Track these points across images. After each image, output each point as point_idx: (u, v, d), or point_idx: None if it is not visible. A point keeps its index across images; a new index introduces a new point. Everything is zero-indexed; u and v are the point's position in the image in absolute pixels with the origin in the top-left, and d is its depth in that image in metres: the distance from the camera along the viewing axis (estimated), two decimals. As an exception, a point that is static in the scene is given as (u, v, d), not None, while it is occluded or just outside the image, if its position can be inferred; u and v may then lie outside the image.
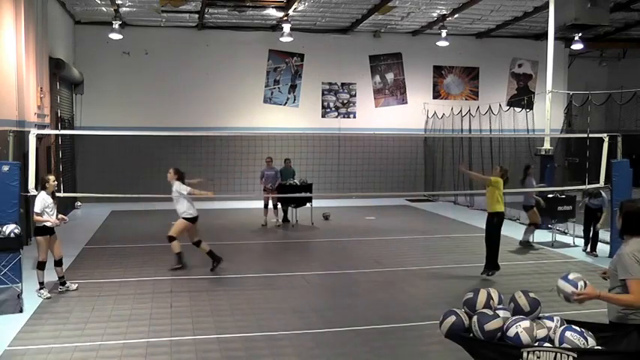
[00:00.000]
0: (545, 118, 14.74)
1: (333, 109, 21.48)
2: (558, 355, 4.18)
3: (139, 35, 19.61)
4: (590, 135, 14.51)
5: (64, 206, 16.20)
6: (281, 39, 18.70)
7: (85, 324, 7.43)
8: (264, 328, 7.31)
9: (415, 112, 21.85)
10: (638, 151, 19.67)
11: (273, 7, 18.00)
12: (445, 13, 18.69)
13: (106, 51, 19.36)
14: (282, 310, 8.10)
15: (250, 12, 18.45)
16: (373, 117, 21.52)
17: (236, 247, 12.74)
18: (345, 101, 21.59)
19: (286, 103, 21.09)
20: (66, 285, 8.96)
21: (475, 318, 4.55)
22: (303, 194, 14.70)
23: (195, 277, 9.91)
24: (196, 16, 18.67)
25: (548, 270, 10.58)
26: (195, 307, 8.17)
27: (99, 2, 17.20)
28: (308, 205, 15.03)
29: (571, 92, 19.07)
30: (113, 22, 17.45)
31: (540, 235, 13.19)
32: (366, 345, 6.83)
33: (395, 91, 21.97)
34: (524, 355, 4.24)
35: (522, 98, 22.13)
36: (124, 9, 17.69)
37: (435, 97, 22.18)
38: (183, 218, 10.14)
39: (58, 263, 8.90)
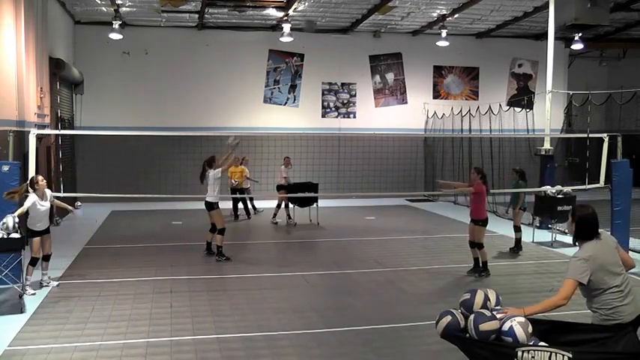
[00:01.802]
0: (545, 118, 14.73)
1: (333, 109, 21.48)
2: (553, 354, 4.16)
3: (139, 35, 19.61)
4: (590, 135, 14.52)
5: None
6: (281, 39, 18.71)
7: (85, 324, 7.44)
8: (264, 328, 7.31)
9: (415, 112, 21.85)
10: (638, 151, 19.68)
11: (273, 7, 18.00)
12: (445, 13, 18.69)
13: (106, 51, 19.36)
14: (282, 310, 8.10)
15: (250, 12, 18.45)
16: (373, 117, 21.52)
17: (236, 247, 12.74)
18: (345, 101, 21.59)
19: (286, 103, 21.09)
20: (46, 280, 9.08)
21: (472, 317, 4.54)
22: (307, 194, 14.82)
23: (196, 277, 9.91)
24: (196, 16, 18.67)
25: (548, 270, 10.59)
26: (195, 307, 8.16)
27: (99, 2, 17.20)
28: (314, 205, 15.19)
29: (571, 92, 19.07)
30: (113, 22, 17.45)
31: (540, 235, 13.20)
32: (366, 345, 6.83)
33: (395, 91, 21.97)
34: (519, 354, 4.21)
35: (522, 98, 22.14)
36: (124, 9, 17.70)
37: (435, 97, 22.18)
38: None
39: (46, 258, 9.06)
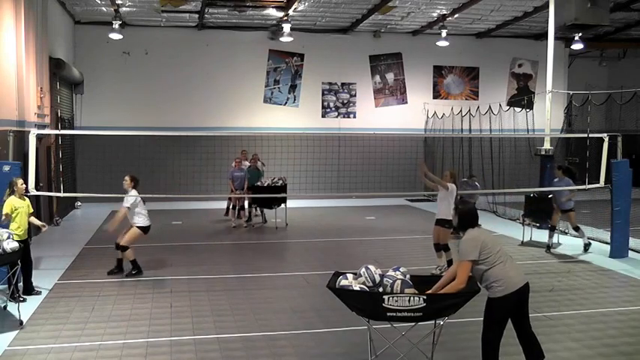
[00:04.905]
0: (545, 118, 14.74)
1: (333, 109, 21.48)
2: (411, 297, 5.37)
3: (139, 35, 19.61)
4: (590, 135, 14.51)
5: (63, 206, 16.24)
6: (281, 39, 18.70)
7: (85, 324, 7.44)
8: (264, 328, 7.31)
9: (415, 112, 21.85)
10: (638, 151, 19.70)
11: (273, 7, 18.00)
12: (445, 13, 18.69)
13: (106, 51, 19.36)
14: (282, 310, 8.11)
15: (250, 12, 18.45)
16: (373, 117, 21.52)
17: (236, 247, 12.75)
18: (345, 101, 21.59)
19: (286, 103, 21.09)
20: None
21: (399, 282, 5.69)
22: (275, 195, 14.43)
23: (196, 277, 9.91)
24: (196, 16, 18.67)
25: (549, 270, 10.58)
26: (195, 307, 8.17)
27: (99, 2, 17.20)
28: (282, 206, 14.64)
29: (571, 92, 19.05)
30: (113, 22, 17.45)
31: (540, 235, 13.18)
32: (366, 345, 6.81)
33: (395, 91, 21.97)
34: (386, 299, 5.38)
35: (522, 98, 22.11)
36: (124, 9, 17.69)
37: (435, 97, 22.18)
38: (138, 227, 9.83)
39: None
